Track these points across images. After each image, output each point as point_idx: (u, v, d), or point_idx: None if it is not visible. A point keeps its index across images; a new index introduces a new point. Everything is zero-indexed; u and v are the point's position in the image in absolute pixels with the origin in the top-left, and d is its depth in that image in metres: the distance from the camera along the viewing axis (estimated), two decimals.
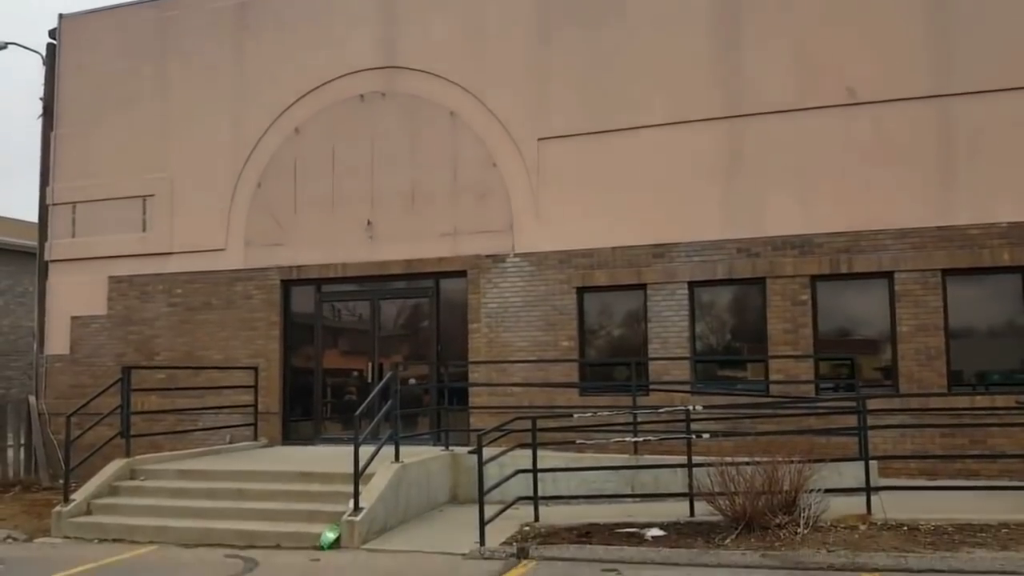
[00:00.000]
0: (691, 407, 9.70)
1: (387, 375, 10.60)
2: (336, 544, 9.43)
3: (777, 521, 8.47)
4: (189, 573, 8.50)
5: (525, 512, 10.05)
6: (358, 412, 10.02)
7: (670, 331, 12.74)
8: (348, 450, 11.06)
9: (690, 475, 9.63)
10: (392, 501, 10.18)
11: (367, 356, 14.65)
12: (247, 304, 15.07)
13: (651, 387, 12.27)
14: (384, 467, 10.35)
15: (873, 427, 10.22)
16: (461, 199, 13.97)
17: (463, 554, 8.77)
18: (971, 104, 11.86)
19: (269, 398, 14.64)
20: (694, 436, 9.73)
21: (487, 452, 9.39)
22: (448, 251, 13.97)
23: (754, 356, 12.53)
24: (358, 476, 9.67)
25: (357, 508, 9.61)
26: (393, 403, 10.59)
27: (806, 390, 12.09)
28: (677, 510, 9.94)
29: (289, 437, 14.79)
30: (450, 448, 12.09)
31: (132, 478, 11.57)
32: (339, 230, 14.57)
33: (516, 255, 13.60)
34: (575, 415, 10.45)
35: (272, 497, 10.61)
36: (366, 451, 9.80)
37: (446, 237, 14.00)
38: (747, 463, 8.76)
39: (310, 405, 14.89)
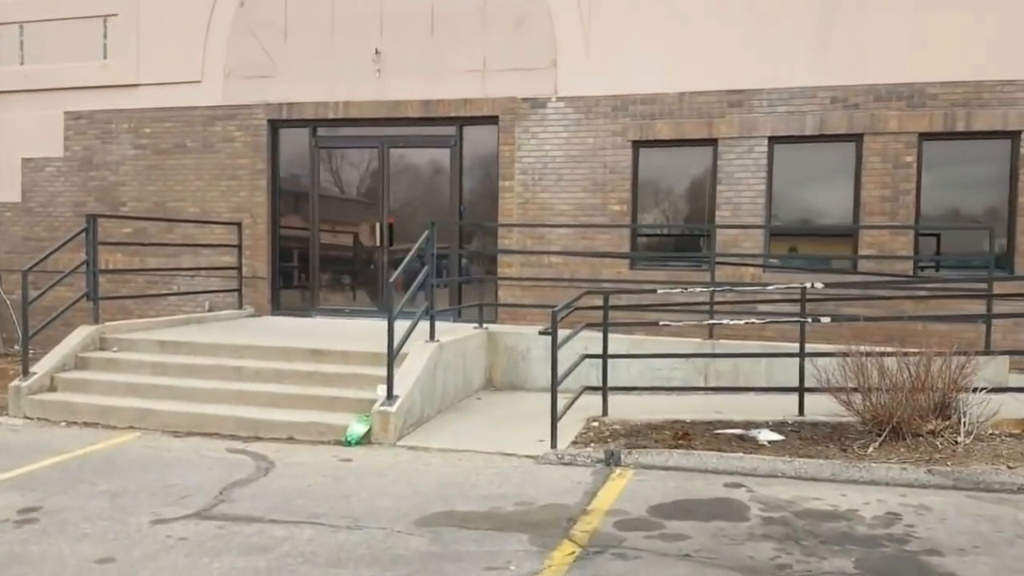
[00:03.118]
0: (809, 284, 7.87)
1: (423, 235, 8.54)
2: (366, 439, 7.63)
3: (930, 427, 6.82)
4: (187, 473, 6.64)
5: (584, 403, 8.35)
6: (392, 279, 8.02)
7: (743, 196, 10.78)
8: (358, 324, 9.18)
9: (801, 364, 7.91)
10: (429, 387, 8.35)
11: (374, 215, 12.50)
12: (228, 148, 12.69)
13: (719, 261, 10.38)
14: (418, 347, 8.46)
15: (994, 316, 8.88)
16: (493, 26, 11.53)
17: (532, 457, 7.04)
18: None
19: (256, 260, 12.55)
20: (809, 320, 7.94)
21: (557, 333, 7.49)
22: (475, 91, 11.65)
23: (845, 227, 10.65)
24: (393, 357, 7.77)
25: (391, 396, 7.77)
26: (429, 268, 8.59)
27: (903, 268, 10.35)
28: (767, 406, 8.32)
29: (279, 306, 12.79)
30: (484, 326, 10.25)
31: (103, 348, 9.58)
32: (340, 61, 12.10)
33: (559, 99, 11.35)
34: (659, 290, 8.57)
35: (277, 378, 8.72)
36: (395, 327, 7.86)
37: (473, 74, 11.65)
38: (889, 353, 7.04)
39: (304, 270, 12.82)
